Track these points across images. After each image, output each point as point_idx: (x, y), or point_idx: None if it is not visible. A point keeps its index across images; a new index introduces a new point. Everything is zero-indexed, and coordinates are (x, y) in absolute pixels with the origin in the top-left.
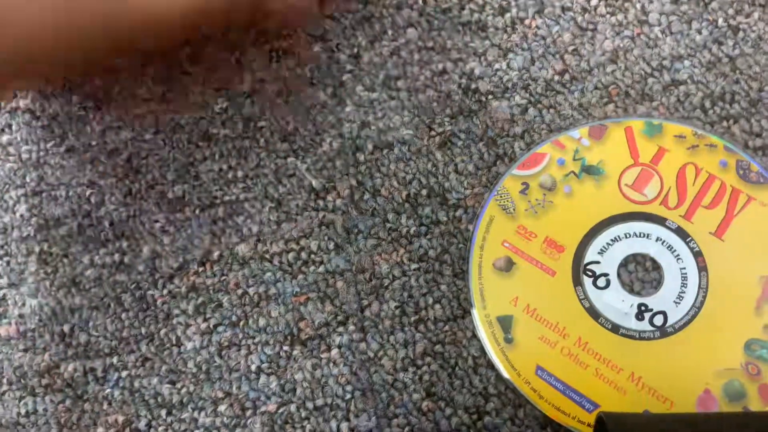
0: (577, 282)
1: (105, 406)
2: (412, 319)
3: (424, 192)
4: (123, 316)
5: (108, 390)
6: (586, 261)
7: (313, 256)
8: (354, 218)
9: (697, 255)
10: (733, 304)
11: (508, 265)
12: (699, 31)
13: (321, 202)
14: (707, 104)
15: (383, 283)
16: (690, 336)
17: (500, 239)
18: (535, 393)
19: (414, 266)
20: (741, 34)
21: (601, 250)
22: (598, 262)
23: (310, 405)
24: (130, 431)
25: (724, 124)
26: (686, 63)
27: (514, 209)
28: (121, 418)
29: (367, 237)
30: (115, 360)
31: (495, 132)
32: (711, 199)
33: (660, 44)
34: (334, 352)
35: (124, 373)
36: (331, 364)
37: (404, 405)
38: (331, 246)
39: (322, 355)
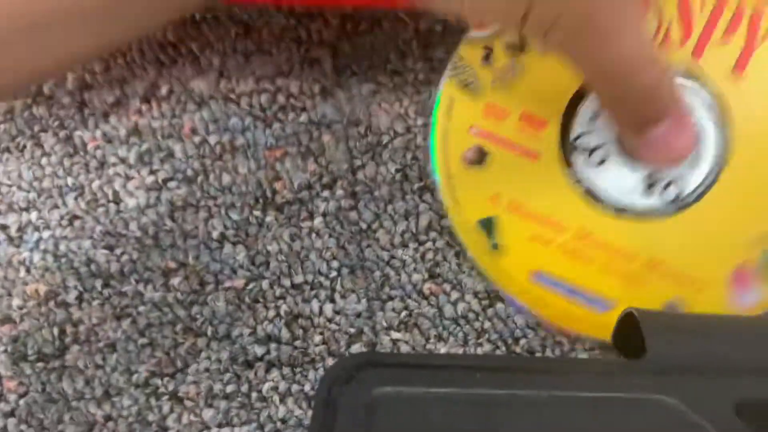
0: (567, 162)
1: (22, 273)
2: (416, 186)
3: (438, 28)
4: (43, 161)
5: (25, 253)
6: (574, 134)
7: (292, 100)
8: (347, 55)
9: (713, 102)
10: (764, 156)
11: (480, 156)
12: None
13: (304, 32)
14: None
15: (382, 140)
16: (712, 203)
17: (466, 125)
18: (537, 301)
19: (422, 122)
20: None
21: (593, 116)
22: (590, 133)
23: (286, 282)
24: (56, 304)
25: None
26: None
27: (477, 84)
28: (43, 288)
29: (363, 81)
30: (33, 216)
31: None
32: (725, 29)
33: None
34: (318, 220)
35: (45, 234)
36: (314, 235)
37: (402, 286)
38: (317, 89)
39: (303, 224)
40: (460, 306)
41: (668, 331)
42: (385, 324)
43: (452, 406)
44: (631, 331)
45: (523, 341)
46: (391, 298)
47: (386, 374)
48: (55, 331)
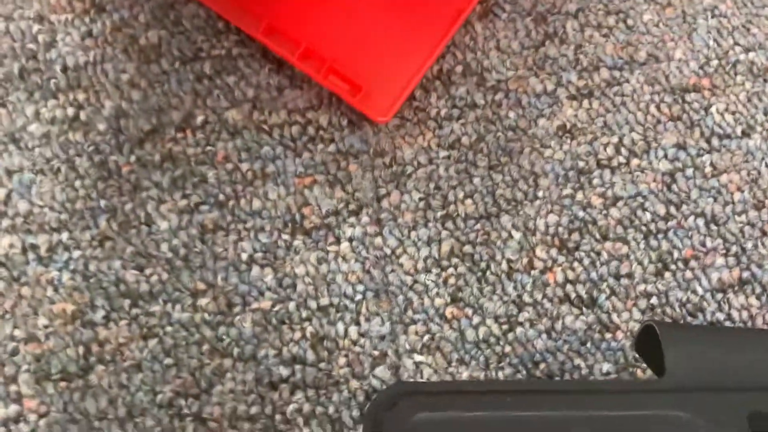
0: None
1: (50, 292)
2: (439, 214)
3: (459, 69)
4: (77, 183)
5: (54, 272)
6: None
7: (322, 132)
8: None
9: None
10: None
11: None
12: None
13: None
14: None
15: (406, 170)
16: None
17: None
18: None
19: (443, 154)
20: None
21: None
22: None
23: (312, 304)
24: (82, 324)
25: None
26: None
27: None
28: (70, 308)
29: None
30: (64, 237)
31: (545, 7)
32: None
33: None
34: (344, 245)
35: (76, 254)
36: (340, 259)
37: (425, 310)
38: (345, 122)
39: (330, 248)
40: (482, 330)
41: (687, 350)
42: (408, 347)
43: (487, 428)
44: (651, 342)
45: (542, 365)
46: (414, 322)
47: (426, 401)
48: (81, 350)
